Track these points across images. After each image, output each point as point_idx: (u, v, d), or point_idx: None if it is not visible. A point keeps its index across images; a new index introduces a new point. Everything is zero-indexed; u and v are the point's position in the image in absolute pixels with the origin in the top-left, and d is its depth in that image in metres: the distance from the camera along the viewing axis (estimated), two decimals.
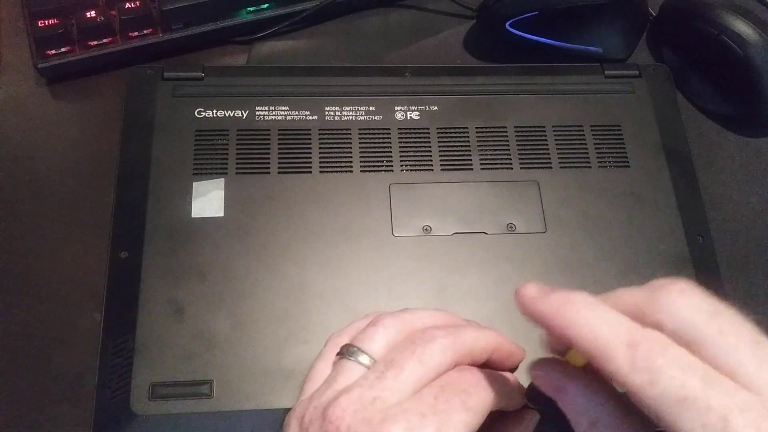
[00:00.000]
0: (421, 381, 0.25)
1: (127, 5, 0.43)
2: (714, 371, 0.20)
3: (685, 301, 0.22)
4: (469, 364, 0.27)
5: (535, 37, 0.45)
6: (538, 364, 0.25)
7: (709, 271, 0.38)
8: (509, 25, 0.44)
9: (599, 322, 0.21)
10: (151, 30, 0.44)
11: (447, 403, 0.24)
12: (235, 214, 0.37)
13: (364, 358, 0.27)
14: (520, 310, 0.24)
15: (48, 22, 0.42)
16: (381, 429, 0.23)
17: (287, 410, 0.31)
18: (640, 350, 0.20)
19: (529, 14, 0.44)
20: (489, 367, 0.28)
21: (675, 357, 0.20)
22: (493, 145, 0.41)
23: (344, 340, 0.29)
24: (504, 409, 0.27)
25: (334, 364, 0.28)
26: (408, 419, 0.24)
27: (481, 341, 0.27)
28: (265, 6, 0.46)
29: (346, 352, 0.27)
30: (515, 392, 0.27)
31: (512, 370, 0.29)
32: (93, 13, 0.43)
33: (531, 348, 0.28)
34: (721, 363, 0.20)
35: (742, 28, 0.42)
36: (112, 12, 0.43)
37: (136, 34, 0.44)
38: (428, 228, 0.38)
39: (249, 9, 0.45)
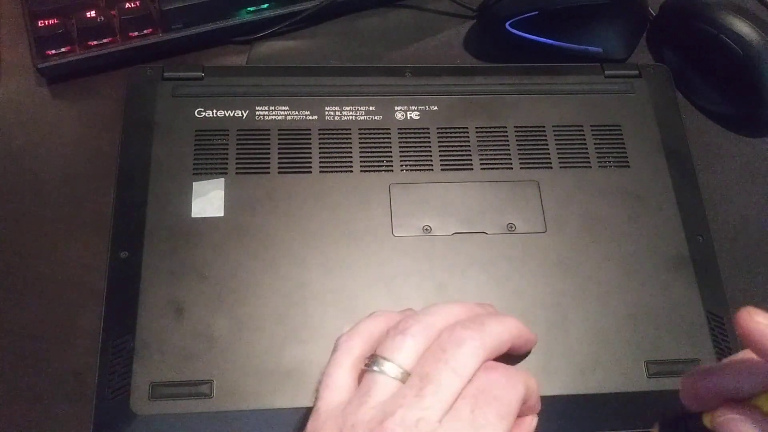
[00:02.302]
0: (458, 391, 0.25)
1: (127, 5, 0.43)
2: None
3: None
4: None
5: (535, 37, 0.45)
6: (726, 412, 0.25)
7: (709, 271, 0.38)
8: (509, 25, 0.44)
9: None
10: (151, 30, 0.44)
11: (484, 417, 0.24)
12: (235, 214, 0.37)
13: (394, 370, 0.26)
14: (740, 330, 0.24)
15: (48, 22, 0.42)
16: None
17: (287, 410, 0.32)
18: None
19: (529, 14, 0.44)
20: (508, 353, 0.28)
21: None
22: (493, 145, 0.41)
23: (356, 343, 0.28)
24: (527, 404, 0.27)
25: (363, 375, 0.26)
26: None
27: (506, 333, 0.27)
28: (265, 6, 0.46)
29: (373, 363, 0.26)
30: (534, 387, 0.27)
31: (526, 354, 0.29)
32: (93, 13, 0.43)
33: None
34: None
35: (742, 28, 0.42)
36: (112, 12, 0.43)
37: (136, 34, 0.43)
38: (428, 228, 0.38)
39: (249, 9, 0.45)
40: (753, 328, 0.23)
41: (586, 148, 0.41)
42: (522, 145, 0.41)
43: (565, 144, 0.41)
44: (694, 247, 0.38)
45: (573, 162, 0.41)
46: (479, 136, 0.41)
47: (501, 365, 0.27)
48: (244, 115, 0.40)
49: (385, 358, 0.26)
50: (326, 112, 0.41)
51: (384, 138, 0.40)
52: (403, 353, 0.26)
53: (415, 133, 0.41)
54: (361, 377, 0.27)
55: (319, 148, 0.40)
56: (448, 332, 0.26)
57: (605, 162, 0.41)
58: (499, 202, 0.39)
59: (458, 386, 0.25)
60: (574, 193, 0.40)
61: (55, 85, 0.44)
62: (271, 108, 0.41)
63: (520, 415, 0.27)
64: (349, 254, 0.37)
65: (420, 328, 0.27)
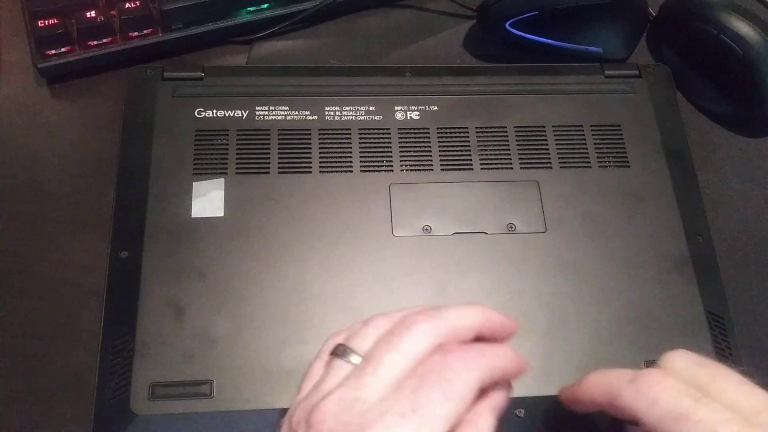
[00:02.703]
0: (402, 372, 0.25)
1: (127, 5, 0.43)
2: (704, 396, 0.25)
3: (661, 390, 0.25)
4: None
5: (535, 37, 0.45)
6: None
7: (709, 271, 0.38)
8: (509, 25, 0.44)
9: (606, 376, 0.28)
10: (151, 30, 0.44)
11: (427, 397, 0.24)
12: (235, 214, 0.37)
13: (354, 358, 0.26)
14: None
15: (48, 22, 0.42)
16: None
17: (287, 410, 0.31)
18: (641, 382, 0.26)
19: (529, 14, 0.44)
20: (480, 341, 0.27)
21: (670, 384, 0.25)
22: (493, 145, 0.41)
23: (339, 339, 0.28)
24: (497, 381, 0.26)
25: (326, 363, 0.27)
26: (386, 422, 0.23)
27: (465, 319, 0.27)
28: (265, 6, 0.46)
29: (338, 351, 0.27)
30: (507, 362, 0.26)
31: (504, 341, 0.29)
32: (93, 13, 0.43)
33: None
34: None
35: (742, 28, 0.42)
36: (112, 12, 0.43)
37: (136, 34, 0.44)
38: (428, 228, 0.38)
39: (249, 9, 0.45)
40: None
41: (586, 148, 0.41)
42: (522, 145, 0.41)
43: (565, 144, 0.41)
44: (694, 247, 0.38)
45: (573, 162, 0.41)
46: (479, 136, 0.41)
47: (460, 347, 0.26)
48: (244, 115, 0.40)
49: (347, 347, 0.27)
50: (326, 112, 0.41)
51: (384, 138, 0.40)
52: (365, 342, 0.27)
53: (415, 133, 0.41)
54: (327, 366, 0.27)
55: (319, 148, 0.40)
56: (402, 319, 0.26)
57: (605, 162, 0.41)
58: (499, 202, 0.39)
59: (402, 366, 0.25)
60: (574, 193, 0.40)
61: (55, 85, 0.44)
62: (271, 108, 0.41)
63: (493, 387, 0.27)
64: (349, 254, 0.37)
65: (385, 321, 0.27)
